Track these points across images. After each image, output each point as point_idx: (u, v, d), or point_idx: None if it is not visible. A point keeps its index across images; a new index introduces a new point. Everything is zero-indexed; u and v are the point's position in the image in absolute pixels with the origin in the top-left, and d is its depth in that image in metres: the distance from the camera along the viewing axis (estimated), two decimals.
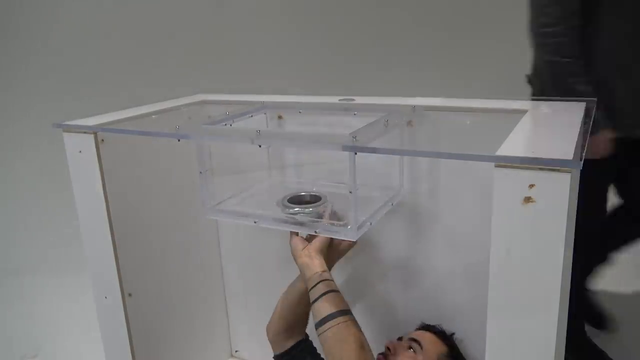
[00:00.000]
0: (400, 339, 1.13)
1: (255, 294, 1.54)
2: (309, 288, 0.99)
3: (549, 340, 0.69)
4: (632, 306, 1.88)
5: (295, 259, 1.04)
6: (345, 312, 0.96)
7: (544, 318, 0.68)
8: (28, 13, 2.64)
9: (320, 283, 0.98)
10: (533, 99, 1.19)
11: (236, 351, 1.66)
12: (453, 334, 1.16)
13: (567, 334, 1.07)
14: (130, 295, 1.21)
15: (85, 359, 1.79)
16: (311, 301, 0.98)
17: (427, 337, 1.10)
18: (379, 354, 1.08)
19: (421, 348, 1.06)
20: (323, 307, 0.95)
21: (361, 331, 0.95)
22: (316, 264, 1.01)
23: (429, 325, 1.17)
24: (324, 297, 0.96)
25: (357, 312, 1.29)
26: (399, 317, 1.29)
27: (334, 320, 0.94)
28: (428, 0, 2.03)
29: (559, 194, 0.65)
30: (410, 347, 1.07)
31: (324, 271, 1.00)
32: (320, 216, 1.06)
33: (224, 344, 1.64)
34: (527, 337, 0.71)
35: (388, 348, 1.08)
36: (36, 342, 1.95)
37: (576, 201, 0.91)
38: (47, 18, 2.60)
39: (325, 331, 0.93)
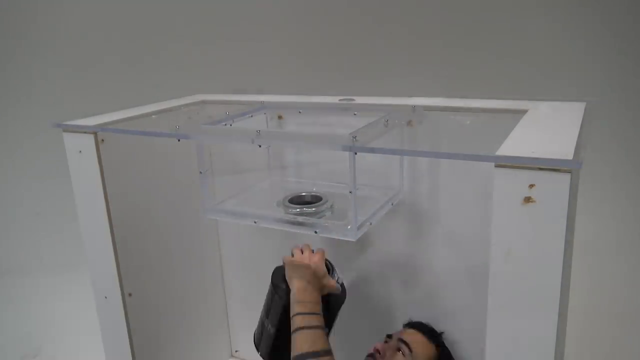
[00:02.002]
0: (389, 336, 1.12)
1: (255, 294, 1.53)
2: (306, 312, 0.95)
3: (549, 340, 0.69)
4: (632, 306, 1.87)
5: (316, 277, 1.00)
6: (331, 352, 0.92)
7: (544, 318, 0.68)
8: (28, 13, 2.63)
9: (319, 315, 0.95)
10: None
11: (236, 351, 1.66)
12: (442, 333, 1.15)
13: None
14: (130, 295, 1.21)
15: (85, 359, 1.79)
16: (301, 325, 0.93)
17: (416, 339, 1.09)
18: (368, 355, 1.08)
19: (410, 351, 1.05)
20: (318, 339, 0.91)
21: None
22: (318, 295, 0.99)
23: (417, 323, 1.16)
24: (318, 330, 0.93)
25: (356, 312, 1.30)
26: (399, 317, 1.29)
27: (324, 357, 0.89)
28: (428, 0, 2.03)
29: (559, 194, 0.65)
30: (399, 349, 1.06)
31: (318, 303, 0.99)
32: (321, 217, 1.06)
33: (224, 344, 1.64)
34: (527, 337, 0.71)
35: (378, 351, 1.07)
36: (36, 342, 1.95)
37: (576, 201, 0.91)
38: (47, 18, 2.60)
39: None
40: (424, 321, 1.17)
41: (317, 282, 1.00)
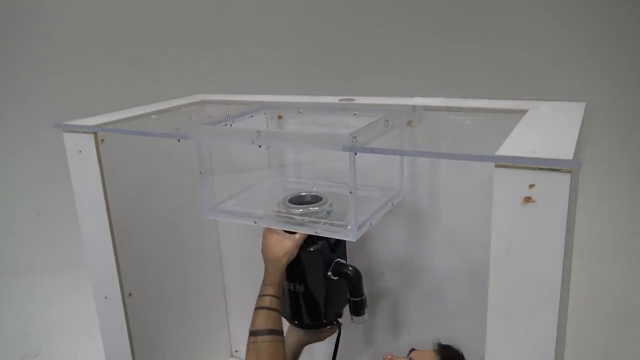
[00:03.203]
0: (412, 350, 1.04)
1: (255, 294, 1.52)
2: (266, 293, 1.04)
3: (549, 340, 0.69)
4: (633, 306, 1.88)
5: (278, 256, 1.04)
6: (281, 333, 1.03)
7: (544, 318, 0.68)
8: (28, 13, 2.63)
9: (276, 298, 1.04)
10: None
11: (236, 351, 1.66)
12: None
13: None
14: (130, 295, 1.21)
15: (85, 359, 1.79)
16: (260, 305, 1.04)
17: None
18: None
19: None
20: (270, 318, 1.02)
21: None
22: (280, 276, 1.05)
23: (445, 346, 1.03)
24: (272, 311, 1.03)
25: None
26: (399, 318, 1.29)
27: (274, 336, 1.01)
28: (428, 0, 2.03)
29: (559, 194, 0.65)
30: None
31: (278, 286, 1.06)
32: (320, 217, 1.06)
33: (224, 344, 1.64)
34: (527, 337, 0.71)
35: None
36: (36, 342, 1.95)
37: (576, 201, 0.91)
38: (47, 18, 2.60)
39: (261, 342, 1.01)
40: (453, 344, 1.06)
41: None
